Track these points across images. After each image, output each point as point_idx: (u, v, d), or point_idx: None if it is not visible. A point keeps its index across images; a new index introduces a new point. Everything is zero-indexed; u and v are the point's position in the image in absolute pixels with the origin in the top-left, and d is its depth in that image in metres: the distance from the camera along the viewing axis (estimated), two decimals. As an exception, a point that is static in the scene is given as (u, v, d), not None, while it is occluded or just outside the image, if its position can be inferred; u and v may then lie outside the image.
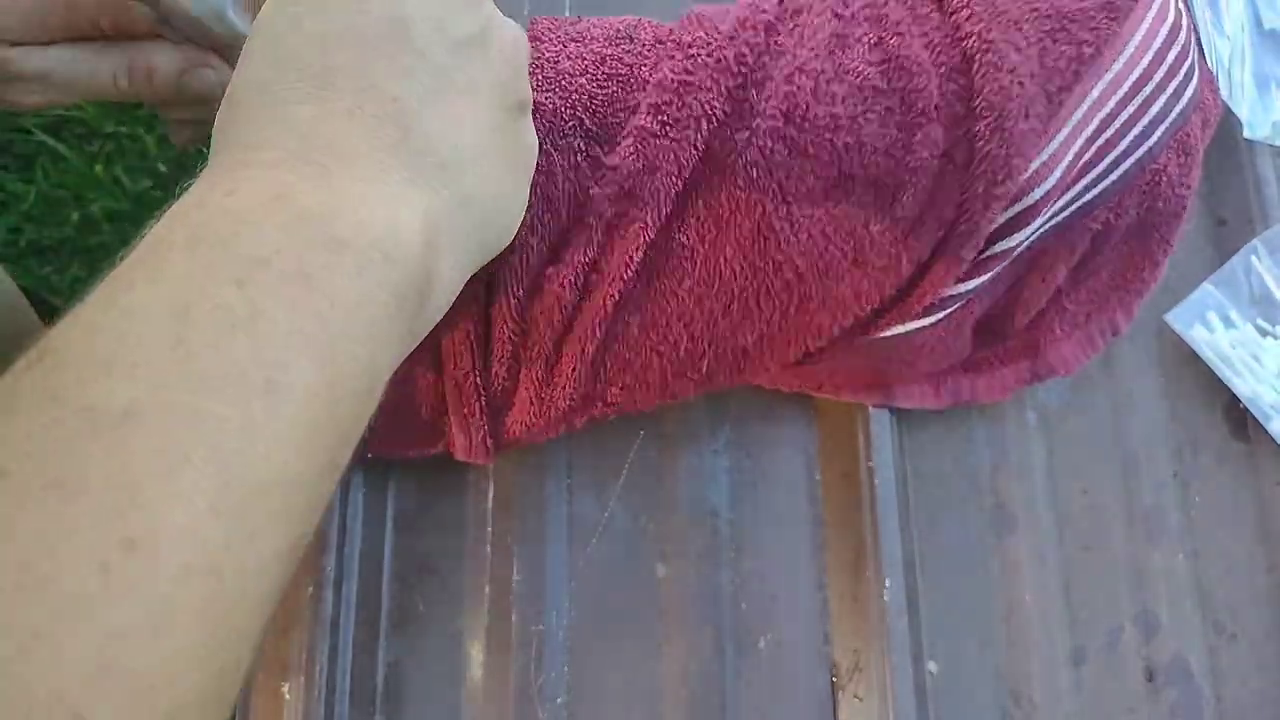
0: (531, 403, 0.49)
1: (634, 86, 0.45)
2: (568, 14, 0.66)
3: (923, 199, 0.46)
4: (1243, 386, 0.61)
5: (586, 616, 0.54)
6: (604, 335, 0.47)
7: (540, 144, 0.42)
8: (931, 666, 0.55)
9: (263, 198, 0.30)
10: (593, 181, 0.45)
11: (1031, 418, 0.60)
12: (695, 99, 0.44)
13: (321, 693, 0.51)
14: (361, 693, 0.52)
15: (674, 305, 0.47)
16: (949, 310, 0.50)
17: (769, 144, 0.44)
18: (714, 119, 0.44)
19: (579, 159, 0.45)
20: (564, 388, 0.48)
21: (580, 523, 0.56)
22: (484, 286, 0.45)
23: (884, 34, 0.46)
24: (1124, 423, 0.60)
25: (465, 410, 0.49)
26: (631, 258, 0.45)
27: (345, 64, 0.34)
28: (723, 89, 0.44)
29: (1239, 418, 0.61)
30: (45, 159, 1.21)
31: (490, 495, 0.56)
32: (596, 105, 0.45)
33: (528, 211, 0.42)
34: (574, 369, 0.47)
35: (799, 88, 0.44)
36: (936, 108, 0.45)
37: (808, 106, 0.44)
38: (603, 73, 0.46)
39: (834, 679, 0.54)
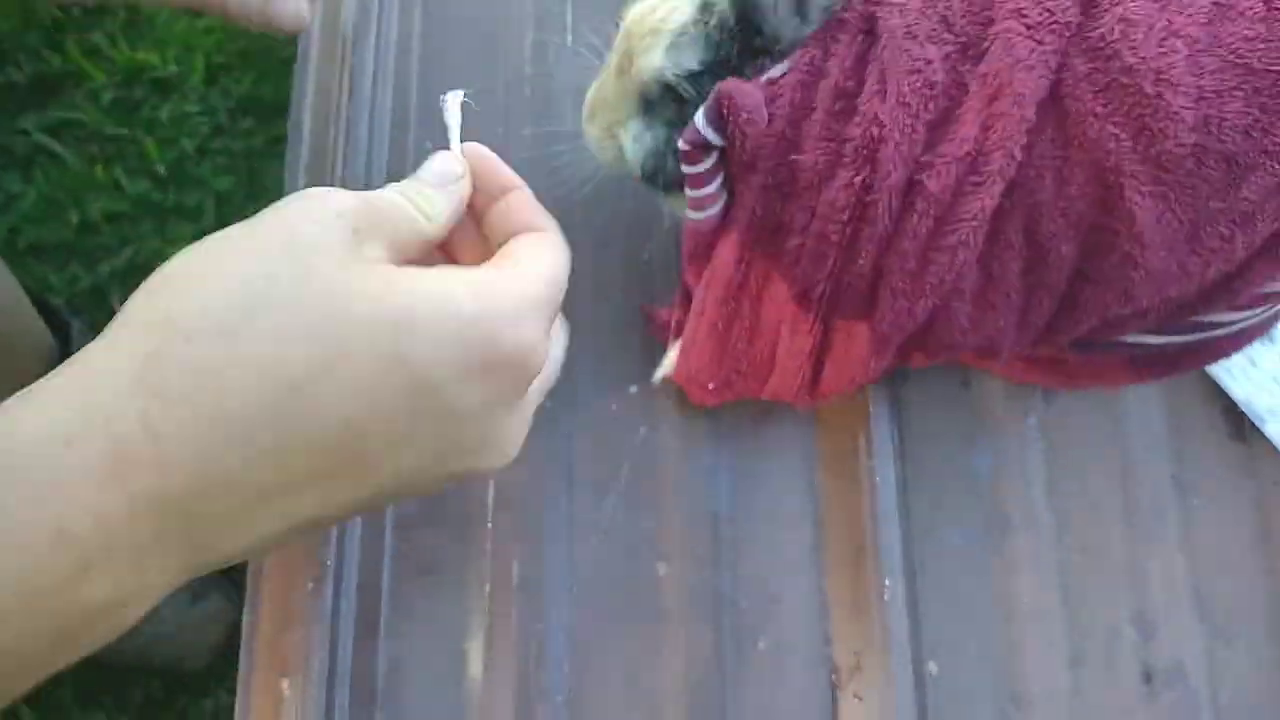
0: (888, 301, 0.48)
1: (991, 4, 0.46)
2: (569, 18, 0.67)
3: (1270, 185, 0.45)
4: (1238, 390, 0.61)
5: (587, 615, 0.54)
6: (980, 235, 0.46)
7: (914, 35, 0.45)
8: (931, 667, 0.55)
9: (66, 515, 0.29)
10: (952, 78, 0.46)
11: (1030, 420, 0.60)
12: (1055, 3, 0.45)
13: (321, 689, 0.51)
14: (361, 690, 0.52)
15: (1021, 215, 0.46)
16: (1264, 308, 0.49)
17: (1130, 93, 0.44)
18: (1071, 28, 0.45)
19: (951, 50, 0.46)
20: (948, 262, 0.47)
21: (580, 522, 0.56)
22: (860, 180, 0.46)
23: (1273, 9, 0.45)
24: (1122, 425, 0.61)
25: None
26: (1008, 162, 0.45)
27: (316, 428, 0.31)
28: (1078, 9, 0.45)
29: (1237, 419, 0.61)
30: (44, 160, 1.21)
31: (490, 494, 0.56)
32: (955, 15, 0.46)
33: (905, 101, 0.45)
34: (946, 265, 0.47)
35: (1172, 50, 0.44)
36: None
37: (1177, 72, 0.44)
38: None
39: (834, 679, 0.54)
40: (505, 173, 0.42)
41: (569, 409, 0.58)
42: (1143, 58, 0.44)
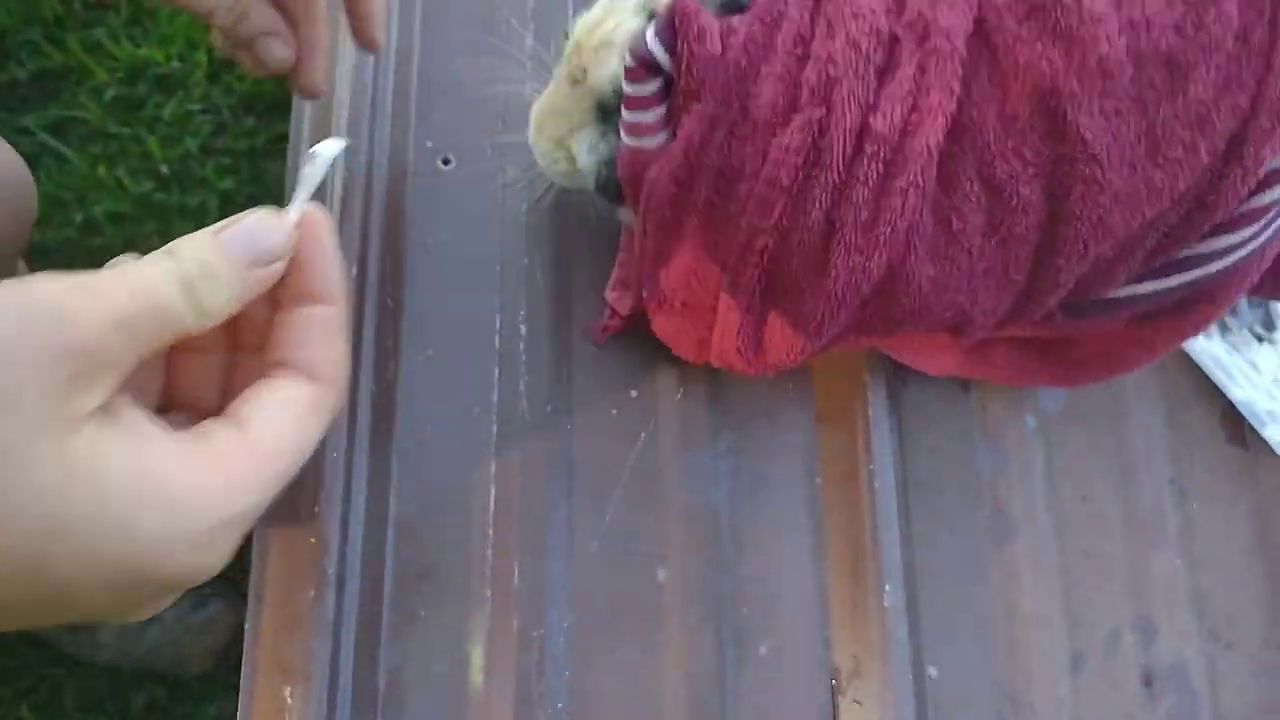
0: (841, 258, 0.47)
1: None
2: (571, 13, 0.67)
3: (1217, 82, 0.44)
4: (1238, 393, 0.61)
5: (587, 620, 0.55)
6: (929, 177, 0.46)
7: None
8: (931, 671, 0.55)
9: None
10: (894, 26, 0.46)
11: (1030, 423, 0.60)
12: None
13: (323, 696, 0.51)
14: (363, 696, 0.52)
15: (973, 159, 0.46)
16: (1253, 230, 0.48)
17: (1051, 9, 0.44)
18: None
19: (891, 3, 0.46)
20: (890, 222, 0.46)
21: (581, 526, 0.56)
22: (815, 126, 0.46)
23: None
24: (1122, 429, 0.61)
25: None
26: (947, 95, 0.45)
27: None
28: None
29: (1236, 423, 0.61)
30: (48, 160, 1.21)
31: (491, 498, 0.56)
32: None
33: (853, 53, 0.45)
34: (898, 210, 0.46)
35: None
36: None
37: None
38: None
39: (834, 684, 0.54)
40: (329, 275, 0.35)
41: (568, 413, 0.58)
42: None
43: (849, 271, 0.47)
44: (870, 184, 0.45)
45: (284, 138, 1.07)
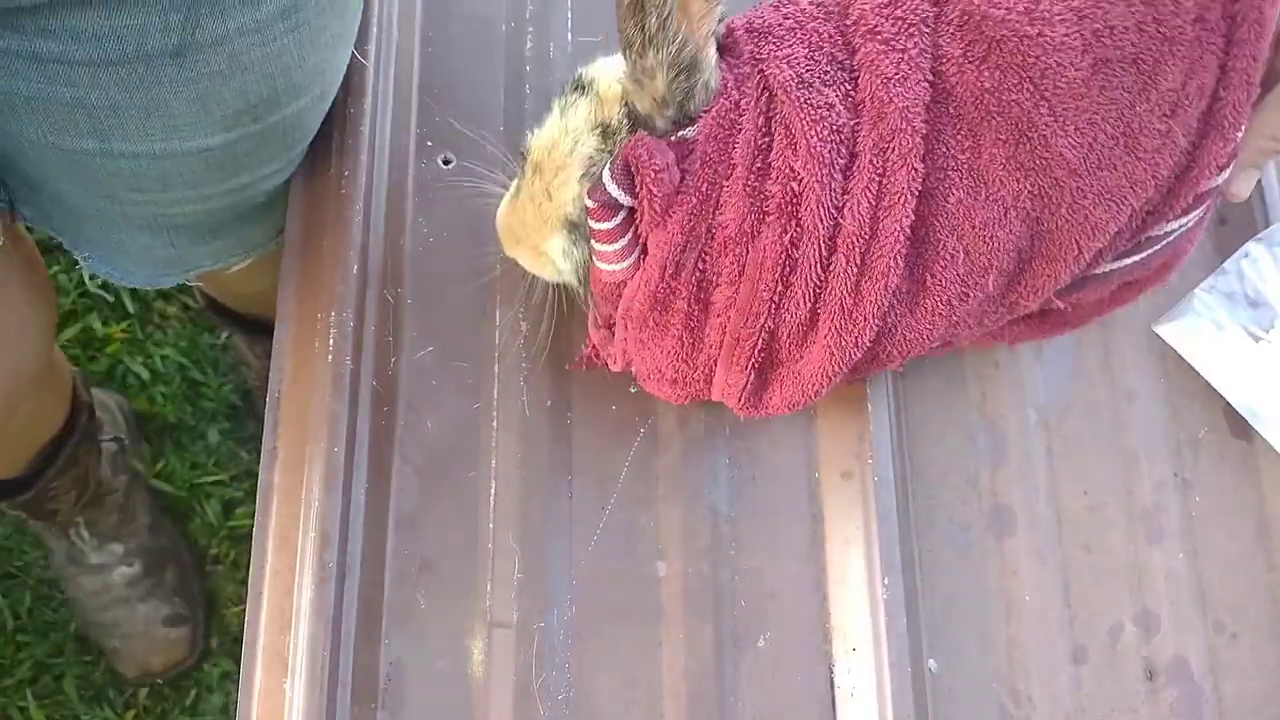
0: (830, 338, 0.49)
1: (849, 30, 0.47)
2: (570, 17, 0.67)
3: (1183, 69, 0.45)
4: (1235, 392, 0.60)
5: (587, 614, 0.55)
6: (903, 253, 0.47)
7: (809, 83, 0.46)
8: (931, 665, 0.55)
9: None
10: (854, 116, 0.46)
11: (1032, 416, 0.60)
12: (905, 7, 0.46)
13: (323, 689, 0.51)
14: (363, 689, 0.52)
15: (945, 220, 0.47)
16: (1197, 214, 0.50)
17: (1012, 45, 0.45)
18: (929, 22, 0.45)
19: (849, 89, 0.46)
20: (867, 315, 0.48)
21: (581, 520, 0.56)
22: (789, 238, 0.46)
23: None
24: (1124, 422, 0.60)
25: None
26: (913, 175, 0.45)
27: None
28: None
29: (1239, 416, 0.61)
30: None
31: (491, 492, 0.56)
32: (835, 49, 0.47)
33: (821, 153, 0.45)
34: (880, 292, 0.47)
35: None
36: None
37: (1045, 6, 0.44)
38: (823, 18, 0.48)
39: (833, 677, 0.54)
40: None
41: (568, 409, 0.58)
42: (1008, 8, 0.44)
43: (840, 348, 0.49)
44: (850, 277, 0.47)
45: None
